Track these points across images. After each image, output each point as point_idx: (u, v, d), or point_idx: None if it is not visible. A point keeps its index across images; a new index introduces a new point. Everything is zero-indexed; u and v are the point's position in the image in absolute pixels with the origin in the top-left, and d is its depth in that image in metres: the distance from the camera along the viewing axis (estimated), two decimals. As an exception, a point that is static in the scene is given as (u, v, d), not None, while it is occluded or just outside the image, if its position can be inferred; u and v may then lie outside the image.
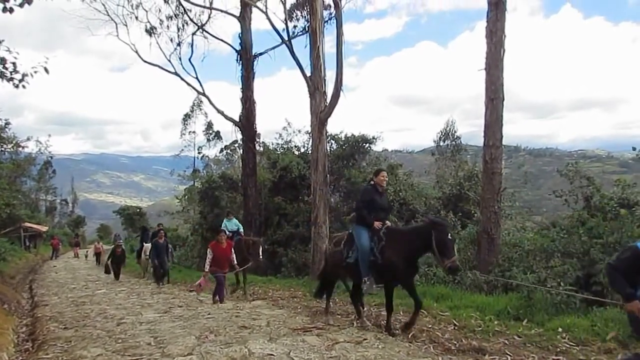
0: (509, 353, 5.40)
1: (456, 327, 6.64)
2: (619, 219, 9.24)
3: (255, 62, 19.52)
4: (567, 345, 5.58)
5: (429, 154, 35.88)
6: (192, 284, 12.23)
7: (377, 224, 6.57)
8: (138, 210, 59.57)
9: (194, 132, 46.42)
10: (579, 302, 7.18)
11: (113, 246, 19.15)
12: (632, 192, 11.16)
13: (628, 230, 8.61)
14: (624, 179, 11.34)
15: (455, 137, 36.13)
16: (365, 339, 6.03)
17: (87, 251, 35.16)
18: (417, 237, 6.26)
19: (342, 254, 6.82)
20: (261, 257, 11.59)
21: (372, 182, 7.00)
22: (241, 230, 12.82)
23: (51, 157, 47.45)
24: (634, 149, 11.84)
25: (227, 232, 11.49)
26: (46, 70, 5.20)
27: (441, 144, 36.23)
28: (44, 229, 45.69)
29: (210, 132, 44.87)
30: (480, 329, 6.43)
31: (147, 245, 16.51)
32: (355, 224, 6.86)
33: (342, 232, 7.89)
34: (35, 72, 5.22)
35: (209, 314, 8.44)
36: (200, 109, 44.84)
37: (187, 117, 46.40)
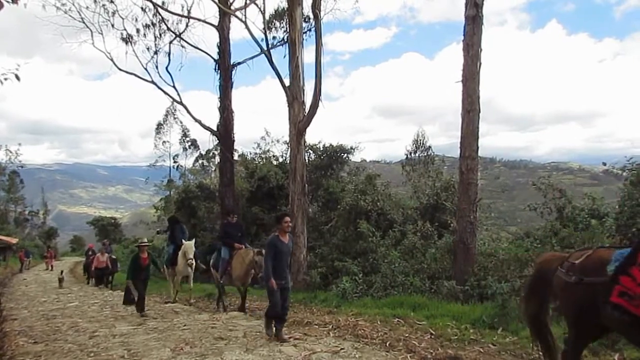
0: (484, 361, 5.46)
1: (432, 336, 6.68)
2: (589, 229, 9.56)
3: (233, 72, 19.48)
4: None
5: (405, 165, 35.92)
6: None
7: None
8: (113, 220, 58.56)
9: (167, 141, 45.64)
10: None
11: (134, 253, 10.86)
12: (602, 203, 11.59)
13: (598, 239, 8.90)
14: (594, 192, 11.78)
15: (426, 147, 36.09)
16: (342, 349, 6.03)
17: (62, 272, 22.01)
18: None
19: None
20: None
21: None
22: None
23: (21, 167, 46.08)
24: (604, 164, 12.35)
25: None
26: (17, 77, 5.05)
27: (412, 155, 36.20)
28: (14, 241, 44.28)
29: (187, 140, 44.32)
30: (456, 337, 6.49)
31: (189, 244, 11.04)
32: None
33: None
34: (5, 79, 5.06)
35: (184, 326, 8.31)
36: (175, 118, 44.18)
37: (160, 126, 45.54)
